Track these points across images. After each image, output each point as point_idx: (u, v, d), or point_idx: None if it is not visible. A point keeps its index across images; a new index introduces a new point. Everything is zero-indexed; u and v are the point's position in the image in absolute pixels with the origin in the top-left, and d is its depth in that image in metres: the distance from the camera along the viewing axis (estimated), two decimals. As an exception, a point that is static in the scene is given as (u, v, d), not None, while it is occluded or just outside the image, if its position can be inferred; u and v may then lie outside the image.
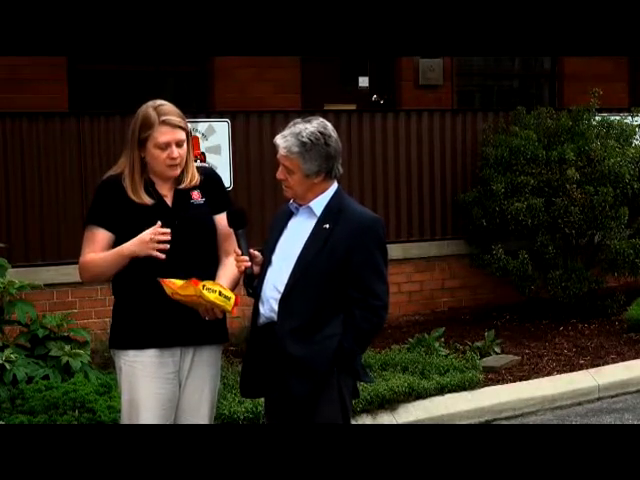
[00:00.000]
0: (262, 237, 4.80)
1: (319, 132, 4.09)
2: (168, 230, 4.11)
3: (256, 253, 4.21)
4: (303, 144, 4.06)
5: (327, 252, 4.06)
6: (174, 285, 4.04)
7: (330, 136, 4.11)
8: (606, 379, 7.83)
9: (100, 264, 4.22)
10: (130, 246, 4.13)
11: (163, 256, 4.09)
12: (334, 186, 4.20)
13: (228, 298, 4.08)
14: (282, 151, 4.11)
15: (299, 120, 4.17)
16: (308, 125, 4.11)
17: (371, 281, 4.08)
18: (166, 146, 4.17)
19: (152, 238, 4.09)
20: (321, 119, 4.18)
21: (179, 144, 4.20)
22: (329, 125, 4.16)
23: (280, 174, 4.17)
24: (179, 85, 10.45)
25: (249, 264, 4.15)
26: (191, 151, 4.32)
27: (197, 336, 4.23)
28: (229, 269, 4.25)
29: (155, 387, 4.18)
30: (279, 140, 4.12)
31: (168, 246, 4.10)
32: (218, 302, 4.06)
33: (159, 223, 4.11)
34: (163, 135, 4.16)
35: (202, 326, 4.19)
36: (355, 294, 4.07)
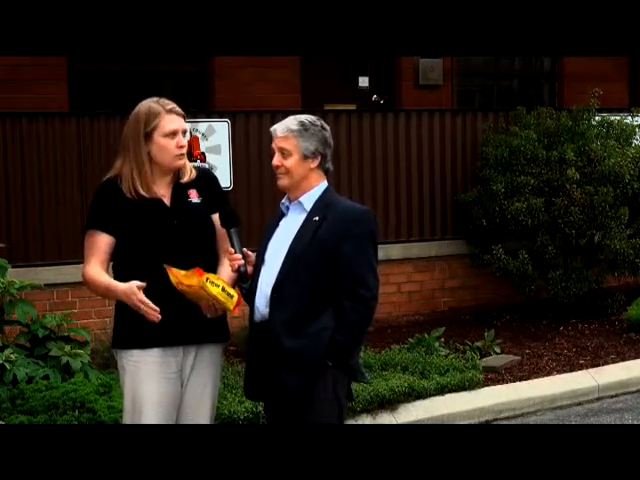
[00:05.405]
0: (261, 237, 4.79)
1: (315, 119, 4.22)
2: (157, 310, 4.05)
3: (249, 253, 4.21)
4: (302, 123, 4.15)
5: (317, 243, 4.07)
6: (179, 274, 4.03)
7: (325, 126, 4.22)
8: (606, 379, 7.83)
9: (100, 290, 4.27)
10: (122, 295, 4.10)
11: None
12: (325, 183, 4.23)
13: (231, 296, 4.07)
14: (280, 133, 4.15)
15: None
16: (304, 115, 4.24)
17: (361, 271, 4.08)
18: (174, 134, 4.20)
19: (142, 308, 4.06)
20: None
21: (184, 133, 4.26)
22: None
23: (276, 160, 4.18)
24: (179, 85, 10.44)
25: (242, 262, 4.15)
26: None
27: (199, 335, 4.23)
28: (228, 267, 4.24)
29: (158, 387, 4.18)
30: (276, 125, 4.19)
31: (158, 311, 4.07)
32: (220, 298, 4.04)
33: (137, 285, 4.06)
34: (171, 123, 4.20)
35: (204, 325, 4.20)
36: (345, 284, 4.06)
